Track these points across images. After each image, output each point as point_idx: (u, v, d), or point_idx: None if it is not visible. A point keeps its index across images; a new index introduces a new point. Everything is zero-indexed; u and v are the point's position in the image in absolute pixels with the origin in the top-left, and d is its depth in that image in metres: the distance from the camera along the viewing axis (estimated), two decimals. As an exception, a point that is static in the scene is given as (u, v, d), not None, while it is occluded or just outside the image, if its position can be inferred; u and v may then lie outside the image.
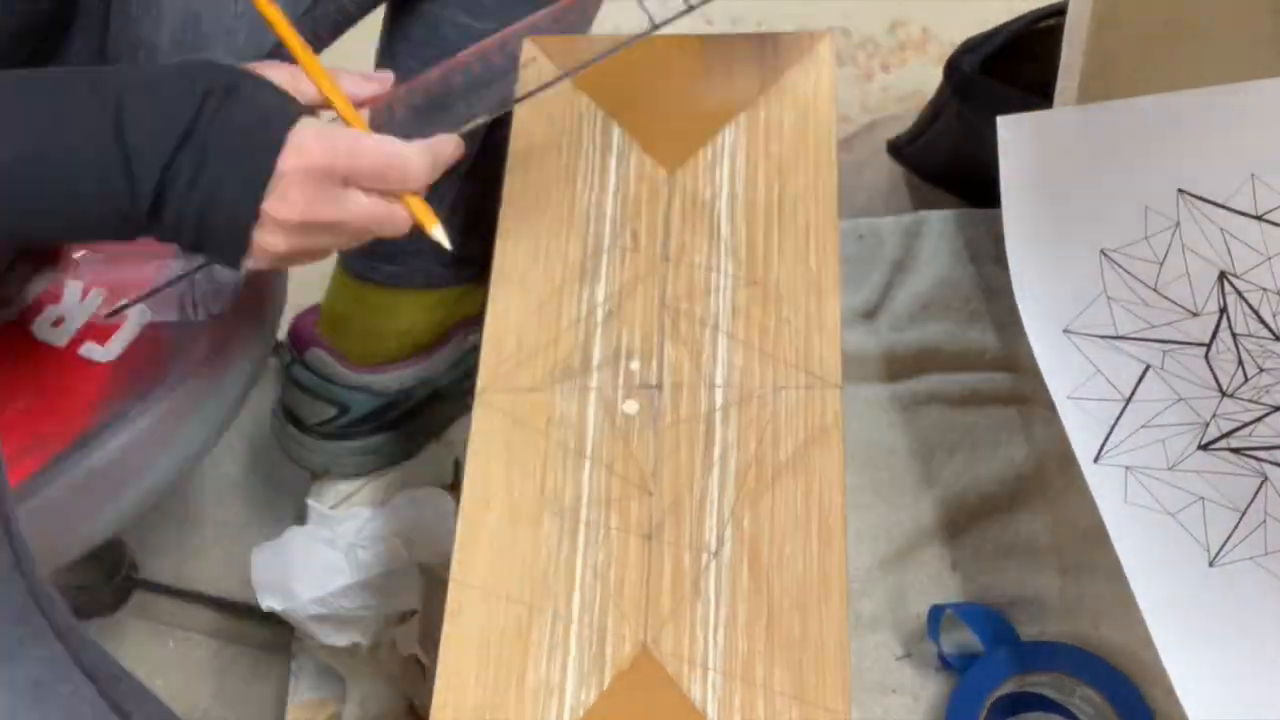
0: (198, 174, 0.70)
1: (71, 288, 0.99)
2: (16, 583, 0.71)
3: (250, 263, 0.74)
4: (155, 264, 0.86)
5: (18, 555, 0.72)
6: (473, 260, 1.08)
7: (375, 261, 1.14)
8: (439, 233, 0.77)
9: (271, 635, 1.25)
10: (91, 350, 0.97)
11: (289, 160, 0.71)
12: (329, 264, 1.16)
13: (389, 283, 1.15)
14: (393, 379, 1.19)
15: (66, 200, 0.71)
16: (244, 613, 1.30)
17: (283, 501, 1.34)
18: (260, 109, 0.73)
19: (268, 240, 0.73)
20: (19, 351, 0.94)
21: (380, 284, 1.15)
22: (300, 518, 1.22)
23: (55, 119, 0.71)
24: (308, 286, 1.19)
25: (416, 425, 1.23)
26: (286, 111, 0.73)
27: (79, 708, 0.69)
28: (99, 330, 0.97)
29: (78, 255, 1.00)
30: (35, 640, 0.70)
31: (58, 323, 0.97)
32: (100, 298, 0.98)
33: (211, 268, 0.85)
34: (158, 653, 1.31)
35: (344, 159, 0.73)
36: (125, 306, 0.92)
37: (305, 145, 0.72)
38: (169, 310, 0.99)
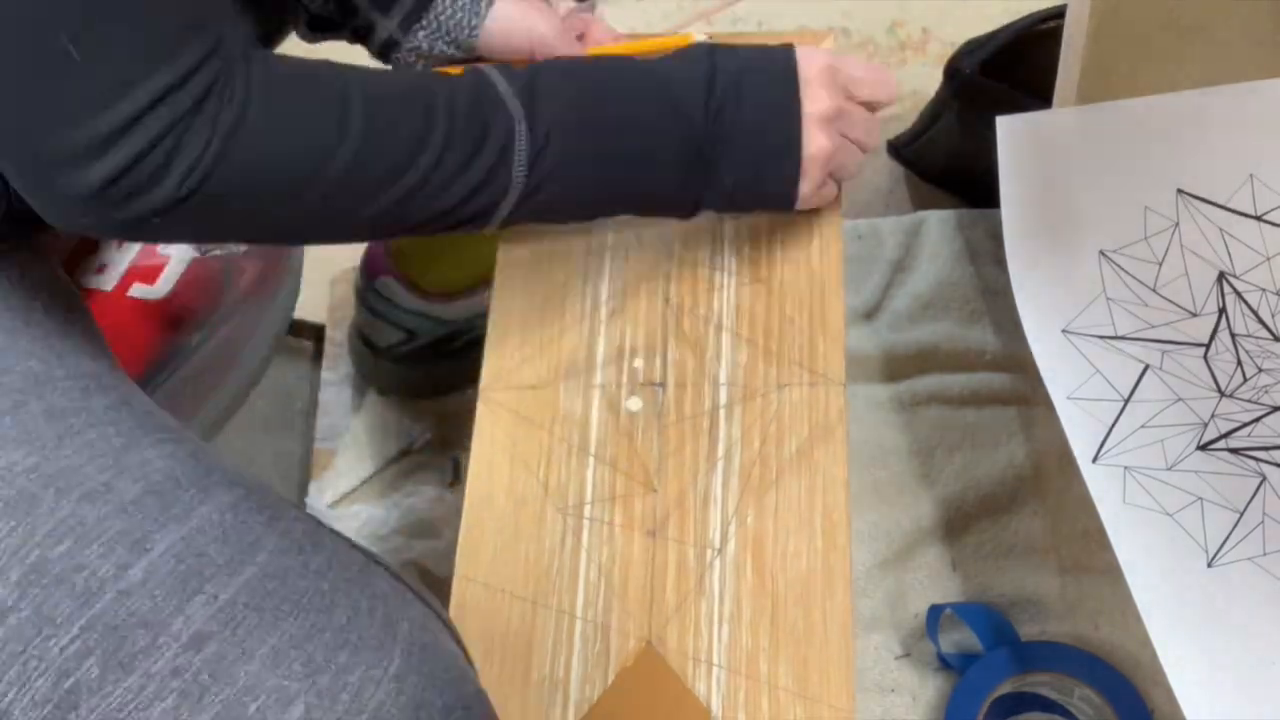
0: (739, 97, 0.79)
1: None
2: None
3: (803, 186, 0.82)
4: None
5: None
6: None
7: None
8: None
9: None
10: (141, 290, 0.98)
11: (804, 66, 0.81)
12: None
13: None
14: (457, 308, 1.21)
15: (646, 157, 0.79)
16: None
17: (301, 479, 1.35)
18: (755, 46, 0.83)
19: (814, 143, 0.81)
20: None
21: None
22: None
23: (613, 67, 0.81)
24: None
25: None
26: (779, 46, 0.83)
27: (346, 555, 0.71)
28: (145, 271, 0.99)
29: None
30: (293, 506, 0.73)
31: (101, 269, 0.99)
32: (138, 243, 1.00)
33: None
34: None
35: (840, 62, 0.83)
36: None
37: (808, 54, 0.82)
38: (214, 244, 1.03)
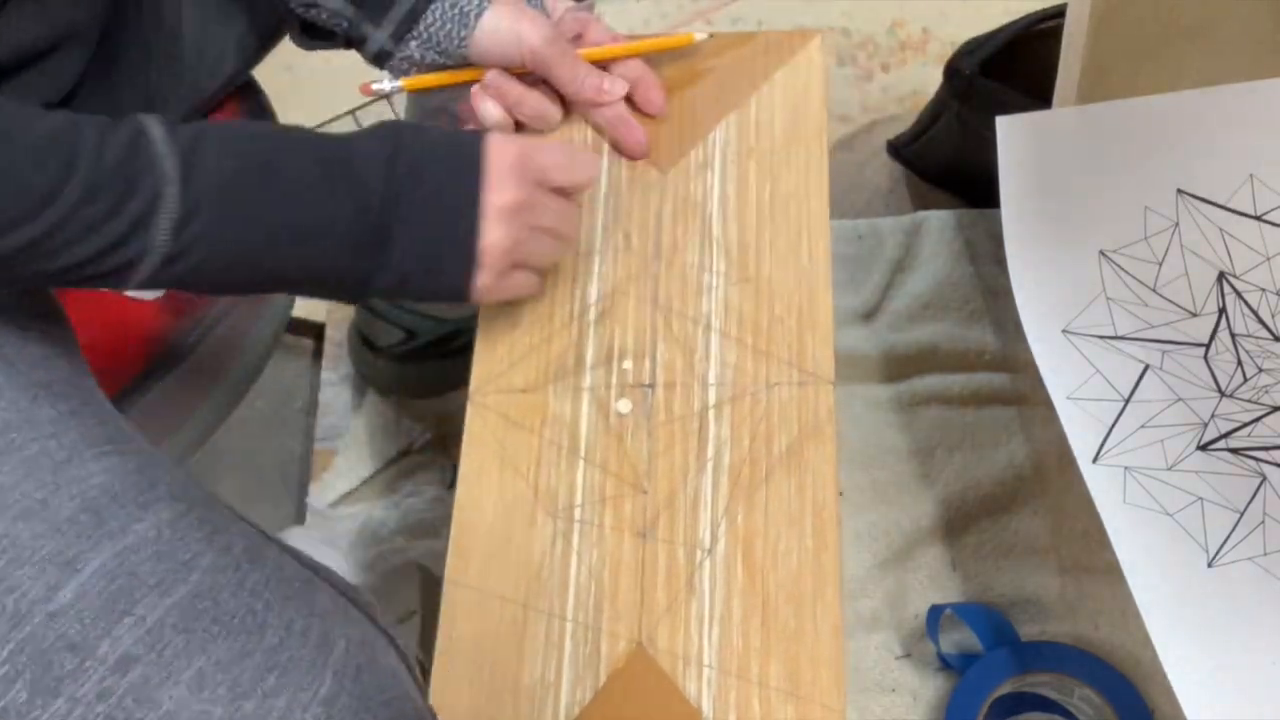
0: (419, 180, 0.76)
1: None
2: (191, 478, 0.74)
3: (480, 276, 0.78)
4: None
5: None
6: None
7: None
8: None
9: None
10: (137, 290, 0.98)
11: (494, 155, 0.78)
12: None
13: None
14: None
15: (312, 233, 0.75)
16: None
17: (302, 476, 1.35)
18: (448, 132, 0.80)
19: (491, 234, 0.78)
20: (66, 300, 0.94)
21: None
22: (299, 516, 1.22)
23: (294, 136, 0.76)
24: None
25: None
26: (471, 131, 0.80)
27: (290, 569, 0.70)
28: None
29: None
30: (233, 519, 0.72)
31: None
32: None
33: None
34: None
35: (532, 150, 0.80)
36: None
37: (499, 143, 0.79)
38: None
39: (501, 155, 0.78)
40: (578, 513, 0.78)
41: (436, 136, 0.78)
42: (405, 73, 0.90)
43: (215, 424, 1.06)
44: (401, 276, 0.76)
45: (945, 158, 1.36)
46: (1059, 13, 1.28)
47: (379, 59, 0.90)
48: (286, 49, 1.04)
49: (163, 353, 0.98)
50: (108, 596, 0.63)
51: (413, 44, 0.88)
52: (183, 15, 0.92)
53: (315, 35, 0.92)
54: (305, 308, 1.30)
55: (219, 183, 0.71)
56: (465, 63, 0.89)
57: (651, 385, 0.82)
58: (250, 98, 1.06)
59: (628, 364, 0.83)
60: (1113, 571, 0.89)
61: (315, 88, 1.16)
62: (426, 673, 1.11)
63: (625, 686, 0.73)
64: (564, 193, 0.82)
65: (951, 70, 1.29)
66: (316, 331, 1.35)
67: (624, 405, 0.81)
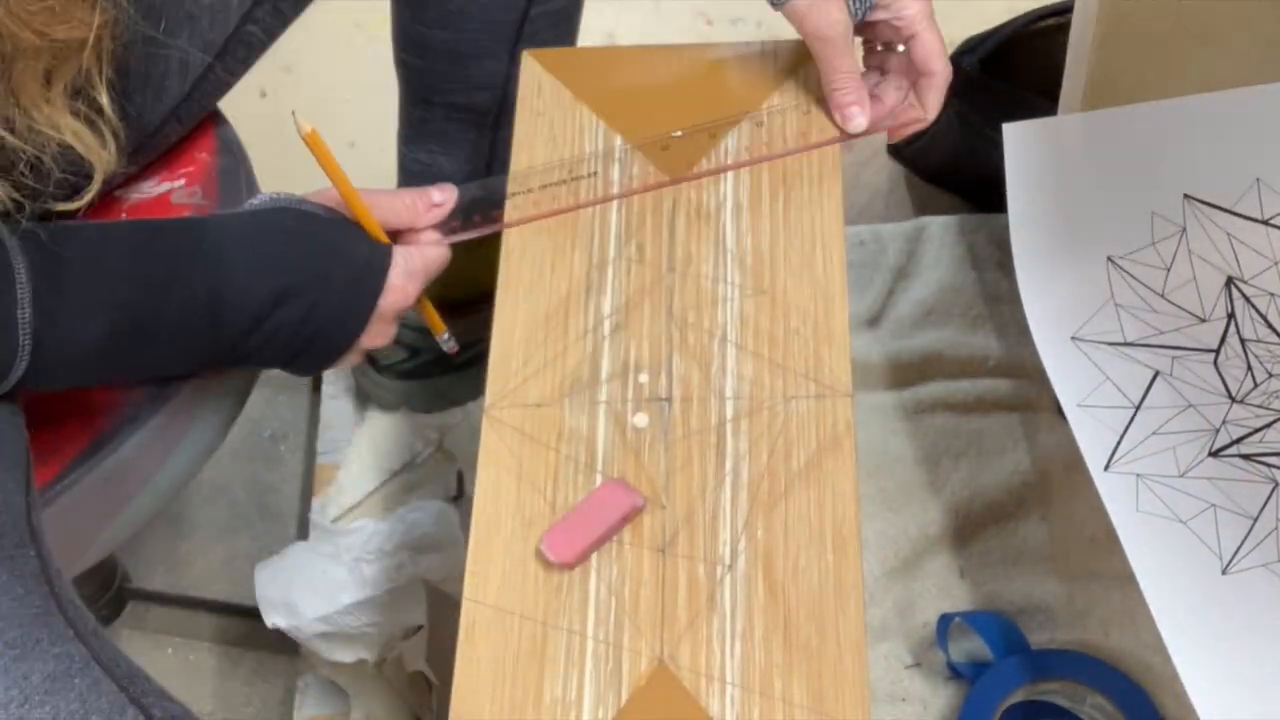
0: (301, 325, 0.84)
1: None
2: (40, 588, 0.72)
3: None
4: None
5: (44, 562, 0.74)
6: None
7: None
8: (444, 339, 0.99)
9: (270, 635, 1.24)
10: None
11: (385, 300, 0.87)
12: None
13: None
14: (462, 324, 1.20)
15: (162, 350, 0.82)
16: (241, 615, 1.30)
17: (276, 505, 1.33)
18: (358, 262, 0.86)
19: (348, 360, 0.89)
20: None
21: None
22: (302, 532, 1.21)
23: (164, 276, 0.81)
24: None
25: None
26: (380, 260, 0.87)
27: (94, 701, 0.69)
28: None
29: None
30: (54, 640, 0.71)
31: None
32: None
33: None
34: (157, 661, 1.31)
35: (419, 279, 0.89)
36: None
37: (394, 285, 0.87)
38: None
39: (391, 299, 0.87)
40: (596, 529, 0.77)
41: (342, 277, 0.85)
42: None
43: (184, 480, 1.03)
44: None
45: (945, 156, 1.36)
46: (1058, 10, 1.28)
47: None
48: (285, 50, 1.02)
49: (113, 426, 0.95)
50: None
51: None
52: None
53: None
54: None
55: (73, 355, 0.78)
56: None
57: (668, 399, 0.81)
58: (218, 126, 1.04)
59: (644, 377, 0.82)
60: (1121, 577, 0.89)
61: (315, 89, 1.14)
62: (432, 687, 1.11)
63: (648, 704, 0.72)
64: None
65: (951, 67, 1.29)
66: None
67: (641, 419, 0.81)
